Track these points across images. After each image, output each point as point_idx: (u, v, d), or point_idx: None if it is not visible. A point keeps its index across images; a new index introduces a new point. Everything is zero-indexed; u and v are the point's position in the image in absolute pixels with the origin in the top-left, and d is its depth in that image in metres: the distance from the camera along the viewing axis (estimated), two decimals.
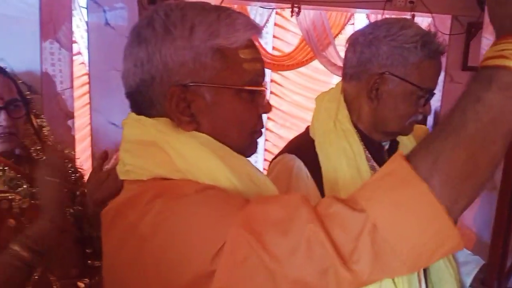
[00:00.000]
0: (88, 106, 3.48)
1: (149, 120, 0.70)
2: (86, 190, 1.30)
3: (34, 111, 1.29)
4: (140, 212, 0.63)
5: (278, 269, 0.55)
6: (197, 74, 0.67)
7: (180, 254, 0.59)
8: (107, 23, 3.20)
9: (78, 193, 1.35)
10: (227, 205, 0.61)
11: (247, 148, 0.74)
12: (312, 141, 1.08)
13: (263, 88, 0.73)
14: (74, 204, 1.32)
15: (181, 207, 0.61)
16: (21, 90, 1.24)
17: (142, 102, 0.71)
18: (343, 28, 4.35)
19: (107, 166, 1.24)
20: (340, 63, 4.26)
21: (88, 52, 3.16)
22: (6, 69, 1.25)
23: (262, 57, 0.73)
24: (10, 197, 1.17)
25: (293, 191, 1.01)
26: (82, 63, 3.69)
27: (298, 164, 1.04)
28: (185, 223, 0.60)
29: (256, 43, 0.74)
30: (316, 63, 4.62)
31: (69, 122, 2.01)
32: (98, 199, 1.21)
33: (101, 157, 1.25)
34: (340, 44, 4.36)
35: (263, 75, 0.73)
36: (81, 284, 1.24)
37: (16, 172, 1.20)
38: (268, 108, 0.74)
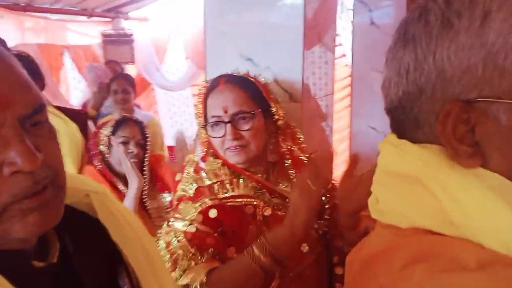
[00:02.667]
0: (347, 108, 3.49)
1: (413, 146, 0.52)
2: (337, 202, 1.23)
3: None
4: (393, 277, 0.47)
5: None
6: (490, 84, 0.46)
7: None
8: (372, 23, 3.13)
9: (327, 206, 1.28)
10: None
11: None
12: None
13: None
14: (321, 218, 1.26)
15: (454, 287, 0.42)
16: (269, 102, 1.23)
17: (404, 121, 0.54)
18: None
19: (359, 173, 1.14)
20: None
21: (352, 54, 3.15)
22: (260, 78, 1.25)
23: None
24: (254, 203, 1.18)
25: None
26: (346, 65, 3.73)
27: None
28: None
29: None
30: None
31: (324, 124, 1.98)
32: (348, 210, 1.14)
33: (351, 162, 1.17)
34: None
35: None
36: None
37: (257, 183, 1.21)
38: None
